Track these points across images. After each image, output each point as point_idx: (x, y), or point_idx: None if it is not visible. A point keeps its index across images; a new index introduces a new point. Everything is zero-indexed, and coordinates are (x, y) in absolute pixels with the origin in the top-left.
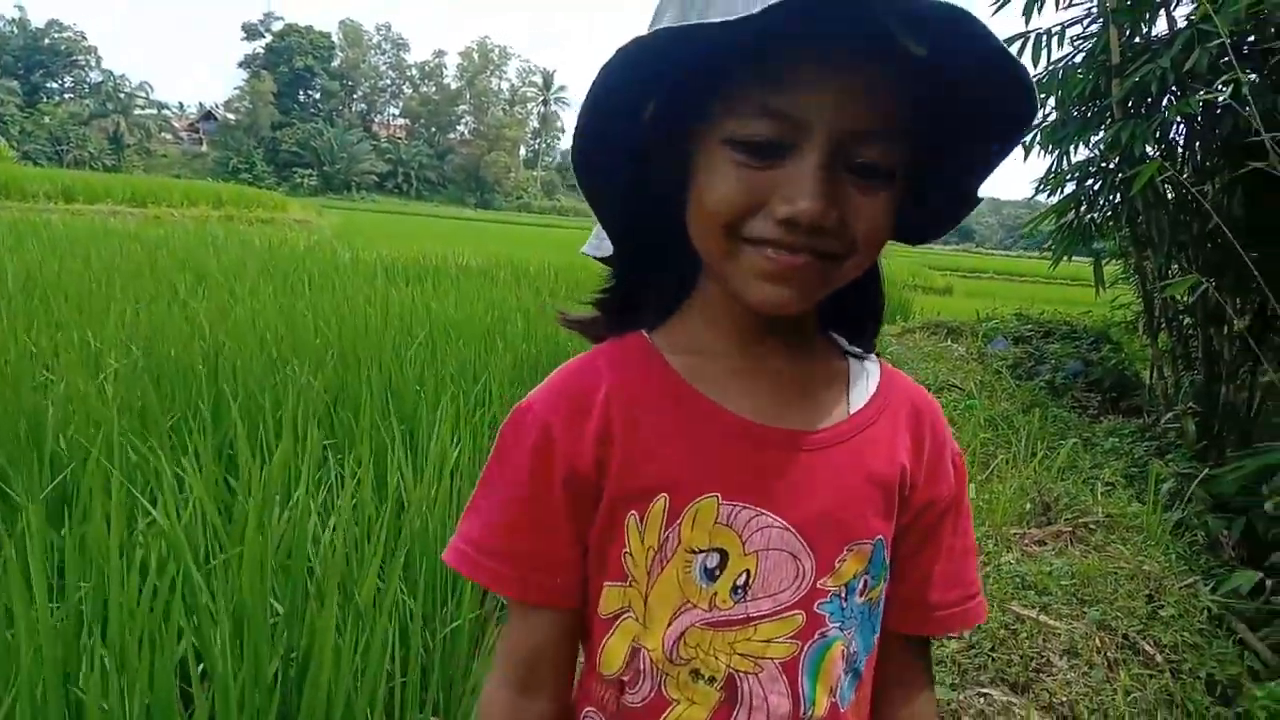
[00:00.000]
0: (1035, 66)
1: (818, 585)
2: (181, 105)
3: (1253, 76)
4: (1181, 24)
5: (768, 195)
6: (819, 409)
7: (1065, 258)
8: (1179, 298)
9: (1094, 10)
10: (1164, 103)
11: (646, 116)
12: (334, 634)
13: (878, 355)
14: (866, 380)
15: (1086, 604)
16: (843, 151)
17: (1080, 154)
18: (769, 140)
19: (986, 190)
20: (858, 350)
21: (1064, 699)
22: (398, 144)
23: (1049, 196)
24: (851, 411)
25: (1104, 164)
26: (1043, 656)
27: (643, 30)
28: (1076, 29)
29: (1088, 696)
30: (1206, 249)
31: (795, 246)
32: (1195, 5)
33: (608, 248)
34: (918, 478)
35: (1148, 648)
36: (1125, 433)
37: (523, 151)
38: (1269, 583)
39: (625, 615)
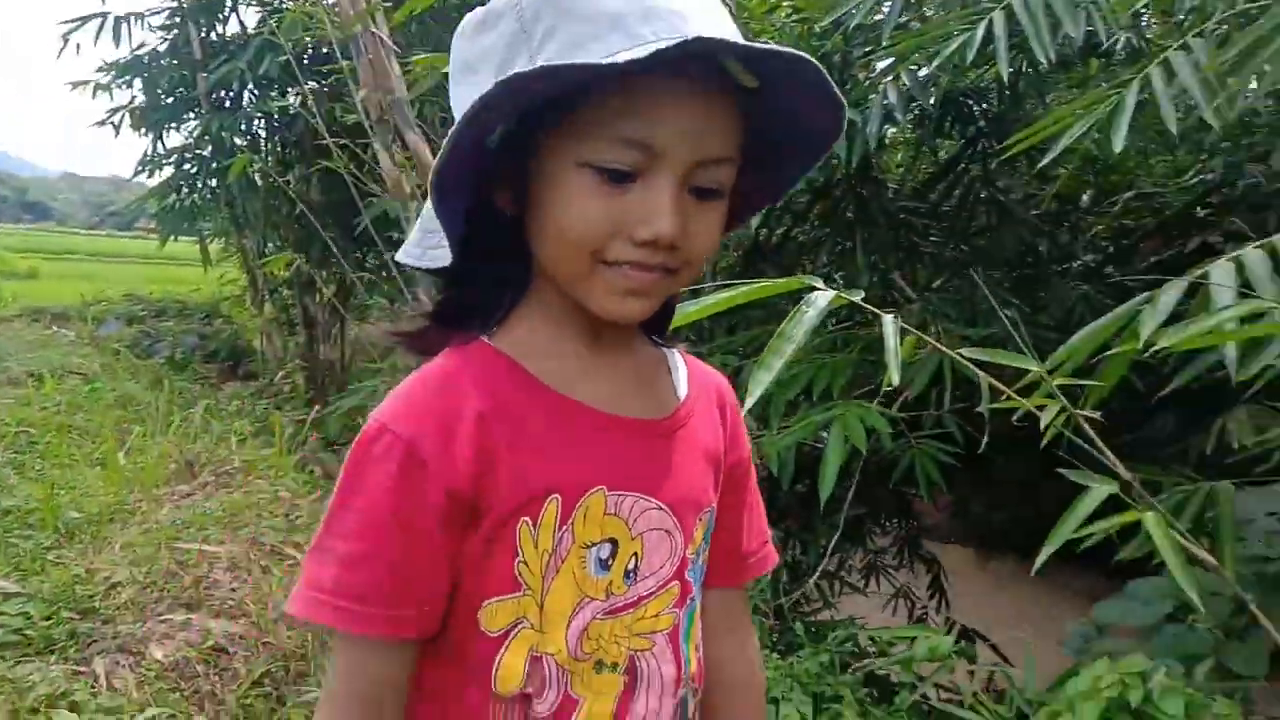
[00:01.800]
0: (117, 47)
1: (685, 555)
2: None
3: (314, 85)
4: (252, 30)
5: (625, 219)
6: (660, 397)
7: (172, 237)
8: (277, 272)
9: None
10: (245, 100)
11: (492, 141)
12: None
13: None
14: (680, 368)
15: (239, 529)
16: (689, 178)
17: (175, 139)
18: (626, 169)
19: (67, 165)
20: (663, 342)
21: (232, 602)
22: None
23: (150, 178)
24: (680, 398)
25: (199, 151)
26: (210, 576)
27: None
28: (159, 19)
29: (252, 596)
30: (296, 229)
31: (650, 265)
32: (261, 15)
33: (429, 260)
34: (727, 445)
35: (290, 550)
36: (246, 394)
37: None
38: None
39: (520, 627)
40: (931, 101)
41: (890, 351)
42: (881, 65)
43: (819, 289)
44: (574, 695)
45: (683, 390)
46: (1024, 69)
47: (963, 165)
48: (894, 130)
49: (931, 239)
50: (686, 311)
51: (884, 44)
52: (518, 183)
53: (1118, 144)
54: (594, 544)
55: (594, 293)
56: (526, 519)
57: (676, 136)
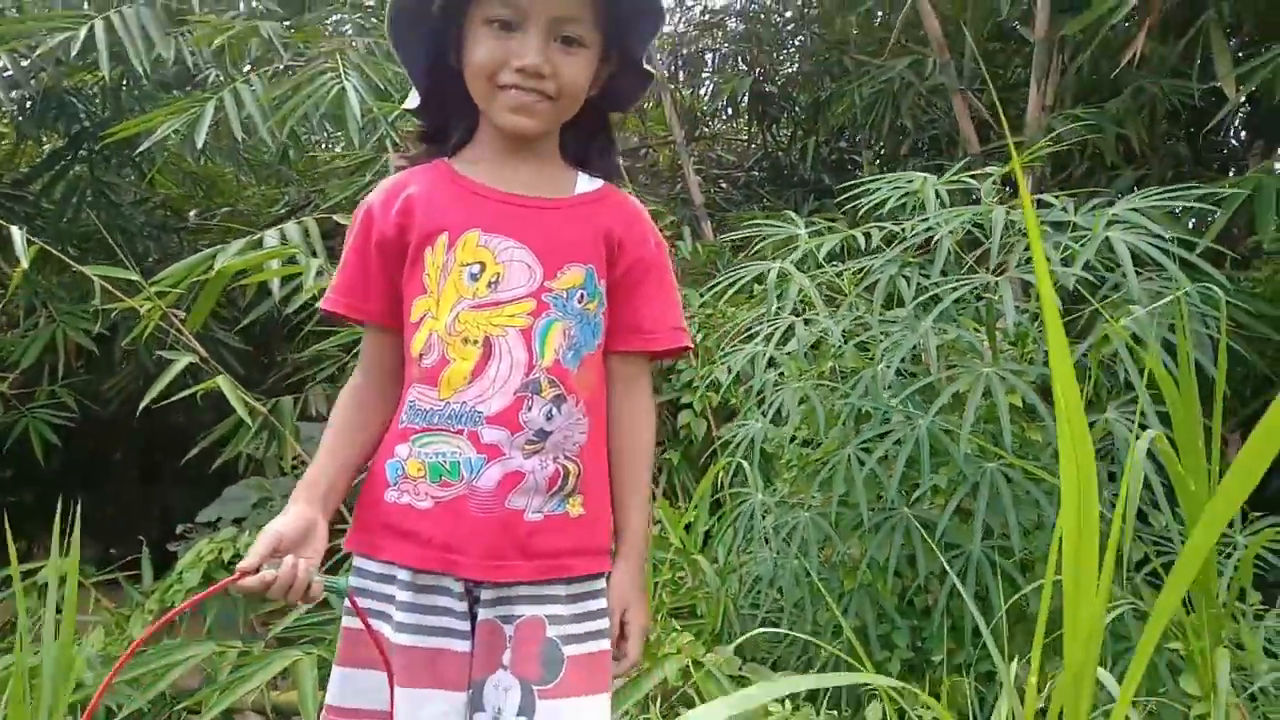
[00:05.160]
0: None
1: (544, 285)
2: None
3: None
4: None
5: (509, 56)
6: (554, 192)
7: None
8: None
9: None
10: None
11: (436, 8)
12: None
13: (613, 184)
14: (590, 184)
15: None
16: (553, 29)
17: None
18: (508, 20)
19: None
20: (590, 174)
21: None
22: None
23: None
24: (574, 195)
25: None
26: None
27: None
28: None
29: None
30: None
31: (526, 89)
32: None
33: (416, 101)
34: (625, 242)
35: None
36: None
37: None
38: None
39: (426, 316)
40: (34, 90)
41: (20, 252)
42: None
43: None
44: (448, 357)
45: (579, 191)
46: (130, 83)
47: (68, 160)
48: None
49: (41, 235)
50: None
51: None
52: (458, 43)
53: (199, 140)
54: (468, 264)
55: (494, 109)
56: (429, 248)
57: (539, 1)
